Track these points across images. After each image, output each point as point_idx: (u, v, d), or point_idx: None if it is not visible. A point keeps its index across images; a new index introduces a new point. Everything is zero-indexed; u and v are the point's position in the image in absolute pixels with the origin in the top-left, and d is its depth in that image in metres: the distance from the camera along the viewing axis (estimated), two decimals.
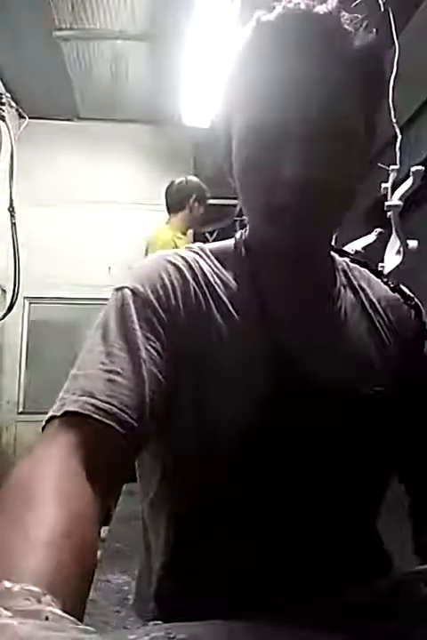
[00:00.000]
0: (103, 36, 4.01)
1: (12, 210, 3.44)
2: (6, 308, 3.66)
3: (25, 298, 4.58)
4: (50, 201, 4.80)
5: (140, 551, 0.80)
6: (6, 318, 3.75)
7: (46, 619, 0.32)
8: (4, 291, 4.35)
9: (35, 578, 0.36)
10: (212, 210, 3.25)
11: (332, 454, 0.65)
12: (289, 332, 0.66)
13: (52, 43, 4.02)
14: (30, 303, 4.90)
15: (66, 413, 0.54)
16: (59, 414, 0.54)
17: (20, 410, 4.80)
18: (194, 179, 3.09)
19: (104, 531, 1.89)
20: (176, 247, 2.69)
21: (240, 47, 0.64)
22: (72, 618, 0.34)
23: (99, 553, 1.38)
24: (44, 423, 0.56)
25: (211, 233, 4.53)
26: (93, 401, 0.54)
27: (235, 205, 4.18)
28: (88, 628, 0.34)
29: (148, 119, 4.97)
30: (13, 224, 3.44)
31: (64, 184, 4.88)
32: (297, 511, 0.64)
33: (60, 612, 0.33)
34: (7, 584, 0.34)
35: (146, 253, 2.79)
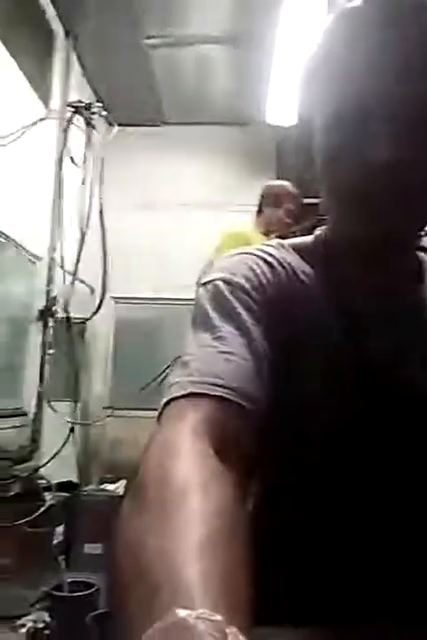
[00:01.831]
0: (190, 41, 4.09)
1: (101, 214, 3.60)
2: (95, 307, 3.84)
3: (112, 297, 4.78)
4: (136, 204, 4.98)
5: None
6: (93, 318, 3.94)
7: None
8: (92, 290, 4.57)
9: (207, 600, 0.33)
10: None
11: (419, 462, 0.62)
12: (373, 330, 0.63)
13: (140, 51, 4.17)
14: (116, 302, 5.11)
15: (188, 395, 0.52)
16: (179, 396, 0.52)
17: (106, 405, 5.01)
18: (283, 183, 3.04)
19: None
20: (248, 243, 2.67)
21: (325, 34, 0.63)
22: None
23: None
24: (161, 407, 0.54)
25: (294, 233, 4.48)
26: (216, 380, 0.52)
27: (318, 203, 4.08)
28: None
29: (231, 120, 5.01)
30: (102, 227, 3.60)
31: (150, 188, 5.04)
32: (389, 527, 0.61)
33: None
34: (182, 613, 0.30)
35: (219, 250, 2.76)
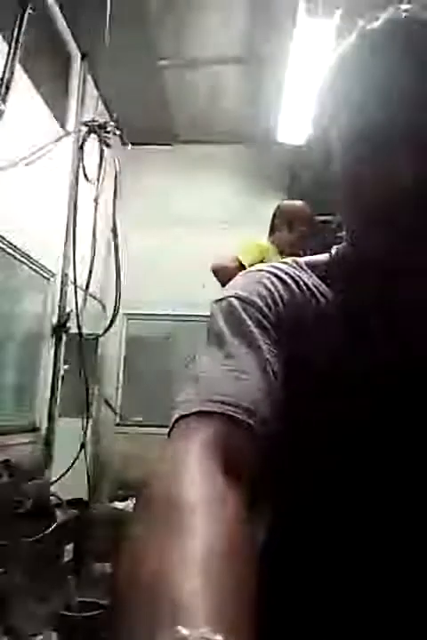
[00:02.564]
0: (203, 62, 4.15)
1: (114, 231, 3.63)
2: (107, 323, 3.86)
3: (124, 314, 4.80)
4: (148, 222, 5.03)
5: None
6: (106, 334, 3.96)
7: None
8: (104, 306, 4.59)
9: (208, 618, 0.33)
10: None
11: None
12: (389, 350, 0.62)
13: (154, 71, 4.24)
14: (128, 319, 5.14)
15: (197, 413, 0.52)
16: (188, 414, 0.52)
17: (117, 421, 5.01)
18: (296, 204, 3.01)
19: None
20: (262, 260, 2.66)
21: (343, 56, 0.63)
22: None
23: None
24: (171, 424, 0.54)
25: (307, 250, 4.48)
26: (225, 398, 0.52)
27: (331, 221, 4.08)
28: None
29: (244, 139, 5.06)
30: (116, 244, 3.64)
31: (162, 205, 5.08)
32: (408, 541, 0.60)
33: None
34: (184, 631, 0.30)
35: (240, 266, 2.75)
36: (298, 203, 2.95)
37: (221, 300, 0.65)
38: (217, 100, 4.72)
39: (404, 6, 0.60)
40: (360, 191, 0.62)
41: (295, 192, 4.53)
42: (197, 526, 0.40)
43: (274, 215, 2.95)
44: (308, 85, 3.51)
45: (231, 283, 0.69)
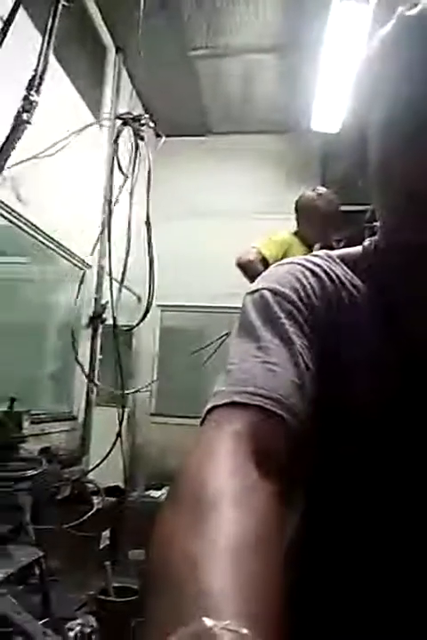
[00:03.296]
0: (236, 51, 4.12)
1: (148, 223, 3.66)
2: (141, 314, 3.90)
3: (157, 305, 4.85)
4: (181, 214, 5.05)
5: None
6: (140, 325, 4.00)
7: None
8: (139, 298, 4.65)
9: (234, 609, 0.32)
10: (341, 217, 3.15)
11: None
12: (421, 339, 0.61)
13: (186, 62, 4.24)
14: (162, 311, 5.18)
15: (230, 404, 0.52)
16: (221, 404, 0.53)
17: (152, 411, 5.07)
18: (312, 197, 2.95)
19: None
20: (285, 253, 2.66)
21: (382, 43, 0.62)
22: None
23: None
24: (203, 415, 0.54)
25: (338, 241, 4.41)
26: (257, 390, 0.53)
27: (364, 211, 4.00)
28: None
29: (277, 129, 5.01)
30: (149, 237, 3.66)
31: (195, 197, 5.09)
32: None
33: None
34: (208, 622, 0.30)
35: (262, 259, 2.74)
36: (316, 193, 2.90)
37: (253, 291, 0.65)
38: (250, 90, 4.68)
39: None
40: (395, 179, 0.61)
41: (328, 181, 4.46)
42: (227, 516, 0.40)
43: (295, 208, 2.93)
44: (342, 72, 3.45)
45: (264, 274, 0.69)
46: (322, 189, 2.97)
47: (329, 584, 0.64)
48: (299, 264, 0.67)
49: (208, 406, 0.54)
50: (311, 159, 5.06)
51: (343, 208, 3.10)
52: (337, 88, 3.64)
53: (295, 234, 2.89)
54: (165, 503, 0.45)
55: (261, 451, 0.49)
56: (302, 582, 0.63)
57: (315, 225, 2.82)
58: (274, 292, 0.63)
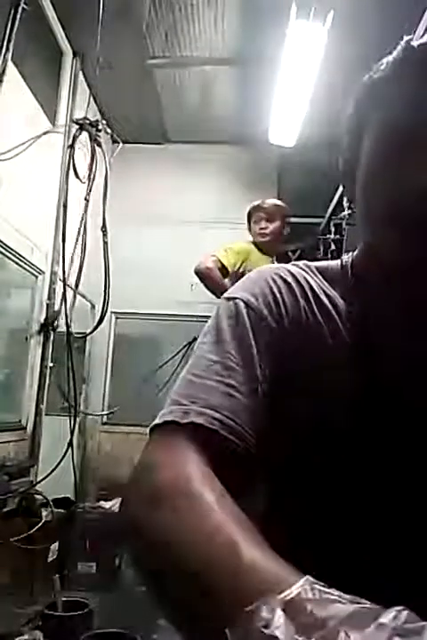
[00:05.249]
0: (194, 62, 4.15)
1: (104, 230, 3.62)
2: (96, 321, 3.84)
3: (112, 312, 4.78)
4: (138, 221, 5.01)
5: None
6: (94, 332, 3.94)
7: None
8: (93, 306, 4.57)
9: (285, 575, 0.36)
10: (295, 228, 3.24)
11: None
12: (394, 364, 0.63)
13: (144, 71, 4.23)
14: (117, 318, 5.12)
15: (188, 424, 0.54)
16: (181, 422, 0.54)
17: (104, 420, 4.99)
18: (257, 201, 3.12)
19: None
20: (245, 262, 2.77)
21: (386, 69, 0.64)
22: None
23: None
24: (159, 421, 0.56)
25: (293, 251, 4.50)
26: (217, 415, 0.55)
27: (318, 224, 4.13)
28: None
29: (234, 140, 5.07)
30: (105, 243, 3.62)
31: (152, 205, 5.07)
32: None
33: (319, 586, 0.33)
34: (285, 594, 0.33)
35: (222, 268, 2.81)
36: (262, 201, 3.06)
37: (231, 298, 0.66)
38: (208, 101, 4.73)
39: None
40: (390, 193, 0.61)
41: (285, 193, 4.56)
42: (221, 503, 0.45)
43: (247, 217, 3.08)
44: (298, 88, 3.53)
45: (243, 280, 0.71)
46: (270, 200, 3.10)
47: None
48: (275, 274, 0.69)
49: (167, 418, 0.56)
50: (268, 171, 5.14)
51: (298, 220, 3.20)
52: (293, 103, 3.73)
53: (254, 242, 2.98)
54: (140, 509, 0.48)
55: (220, 477, 0.51)
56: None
57: (256, 222, 3.01)
58: (248, 306, 0.64)
